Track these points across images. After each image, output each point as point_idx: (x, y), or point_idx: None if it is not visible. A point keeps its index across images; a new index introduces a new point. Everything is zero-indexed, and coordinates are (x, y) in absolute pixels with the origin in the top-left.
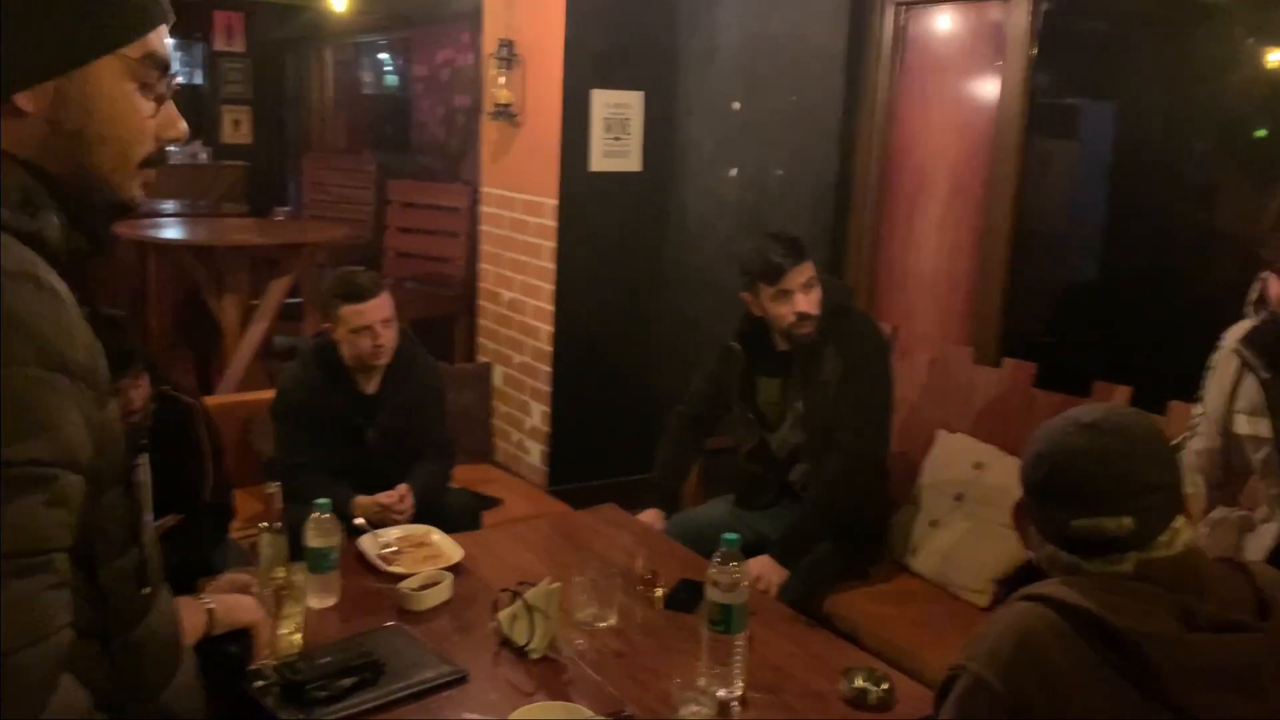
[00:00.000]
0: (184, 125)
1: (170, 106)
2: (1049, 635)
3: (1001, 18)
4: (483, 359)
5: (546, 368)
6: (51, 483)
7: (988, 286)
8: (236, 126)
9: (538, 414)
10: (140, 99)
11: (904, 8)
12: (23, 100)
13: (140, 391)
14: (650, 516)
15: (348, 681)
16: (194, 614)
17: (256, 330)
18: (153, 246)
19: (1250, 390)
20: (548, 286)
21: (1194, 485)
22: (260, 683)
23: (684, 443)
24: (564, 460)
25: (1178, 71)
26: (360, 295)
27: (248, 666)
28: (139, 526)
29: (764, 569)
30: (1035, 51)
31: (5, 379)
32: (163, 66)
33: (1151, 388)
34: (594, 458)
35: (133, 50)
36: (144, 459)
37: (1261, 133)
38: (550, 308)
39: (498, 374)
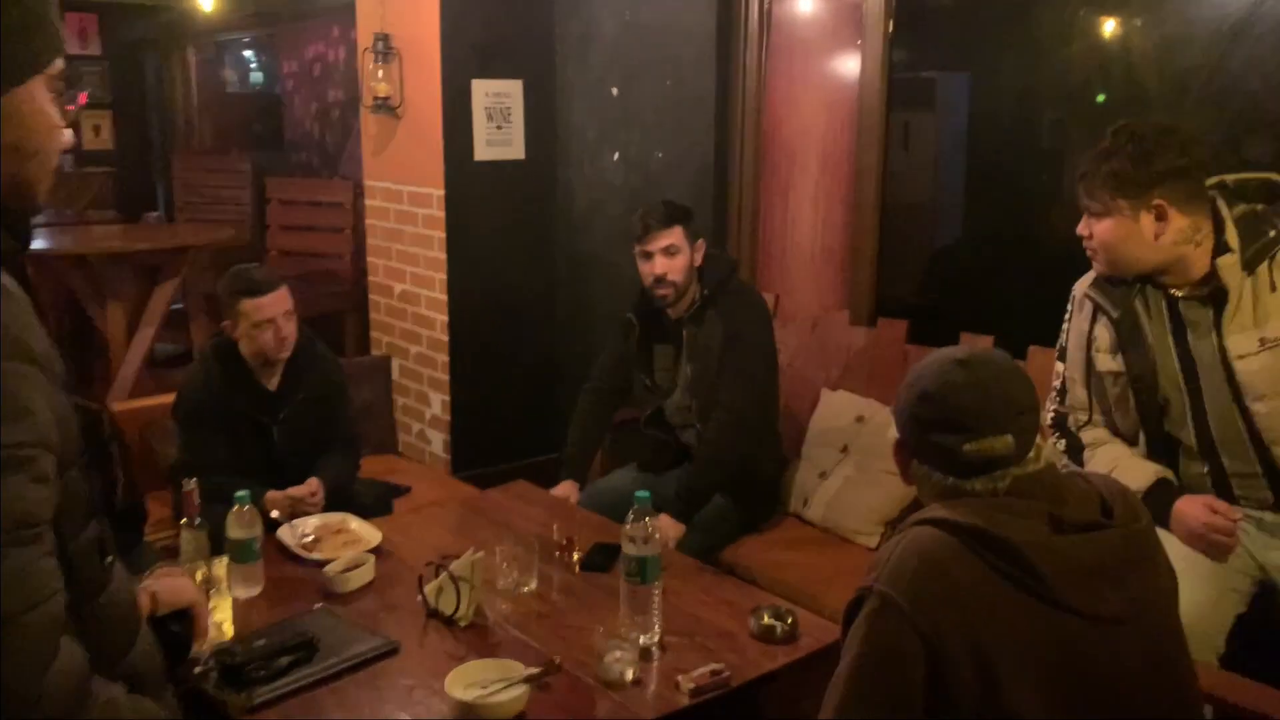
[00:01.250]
0: (70, 135)
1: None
2: (945, 552)
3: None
4: (378, 353)
5: (444, 357)
6: (34, 462)
7: (860, 254)
8: (97, 132)
9: (438, 403)
10: (56, 113)
11: None
12: None
13: None
14: (565, 489)
15: (285, 660)
16: (138, 597)
17: (143, 338)
18: (26, 258)
19: (1104, 331)
20: (439, 276)
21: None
22: (199, 669)
23: (594, 416)
24: (467, 447)
25: (1025, 44)
26: (259, 289)
27: (190, 643)
28: (93, 502)
29: (662, 525)
30: (891, 29)
31: None
32: (68, 85)
33: (1012, 336)
34: (496, 442)
35: (53, 69)
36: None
37: (1100, 98)
38: (443, 297)
39: (395, 367)
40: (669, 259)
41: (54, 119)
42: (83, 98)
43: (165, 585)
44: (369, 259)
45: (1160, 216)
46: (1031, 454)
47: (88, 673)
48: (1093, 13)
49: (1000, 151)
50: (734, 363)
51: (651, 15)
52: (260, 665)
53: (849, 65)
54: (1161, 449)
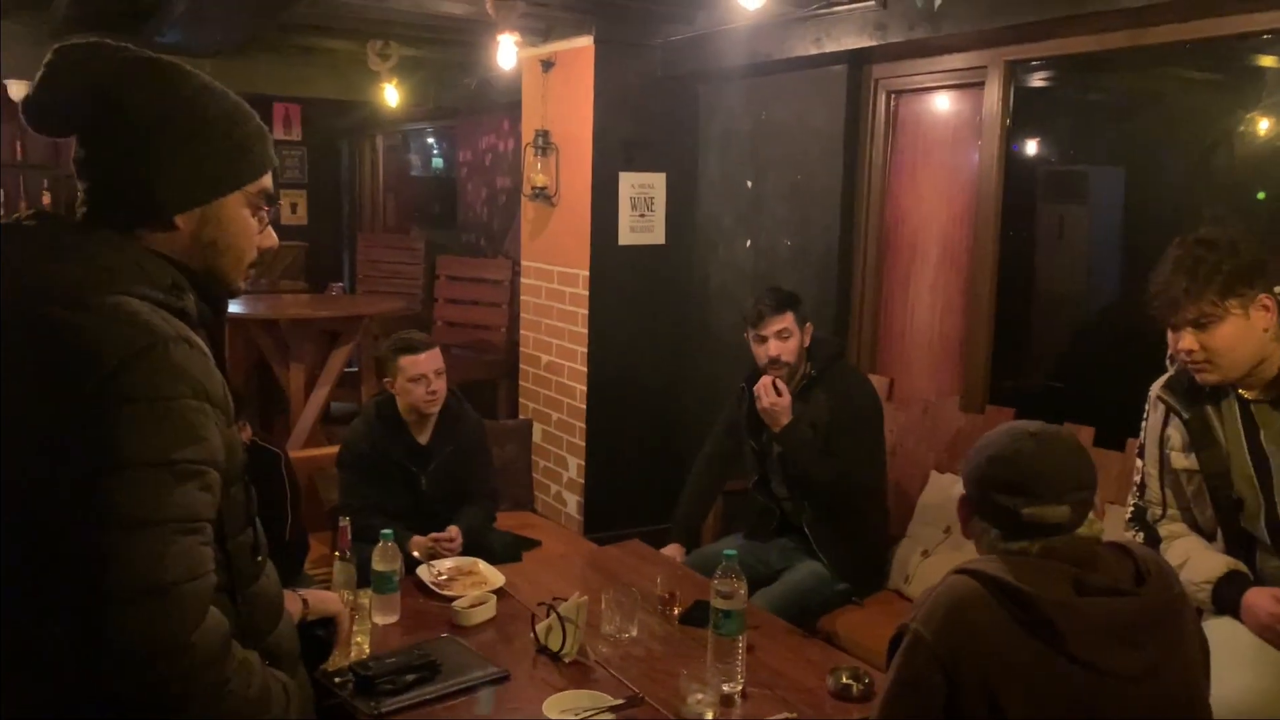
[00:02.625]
0: (275, 238)
1: (269, 225)
2: (973, 599)
3: (978, 99)
4: (524, 417)
5: (581, 424)
6: (204, 474)
7: (974, 342)
8: (293, 209)
9: (574, 467)
10: (252, 221)
11: (894, 94)
12: (179, 220)
13: (244, 434)
14: (671, 550)
15: (410, 677)
16: (291, 601)
17: (319, 395)
18: (233, 321)
19: (1176, 431)
20: (581, 350)
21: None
22: (339, 679)
23: (704, 482)
24: (598, 510)
25: (1182, 139)
26: (415, 348)
27: (331, 646)
28: (253, 513)
29: (776, 401)
30: (1008, 128)
31: (176, 407)
32: (270, 199)
33: (1114, 429)
34: (627, 507)
35: (252, 187)
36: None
37: (1261, 195)
38: (584, 369)
39: (537, 431)
40: (782, 342)
41: (250, 226)
42: None
43: (315, 595)
44: (521, 331)
45: (1265, 308)
46: (1083, 528)
47: (229, 636)
48: (1252, 111)
49: (1154, 245)
50: (843, 432)
51: (785, 114)
52: (389, 680)
53: (969, 160)
54: (1238, 544)
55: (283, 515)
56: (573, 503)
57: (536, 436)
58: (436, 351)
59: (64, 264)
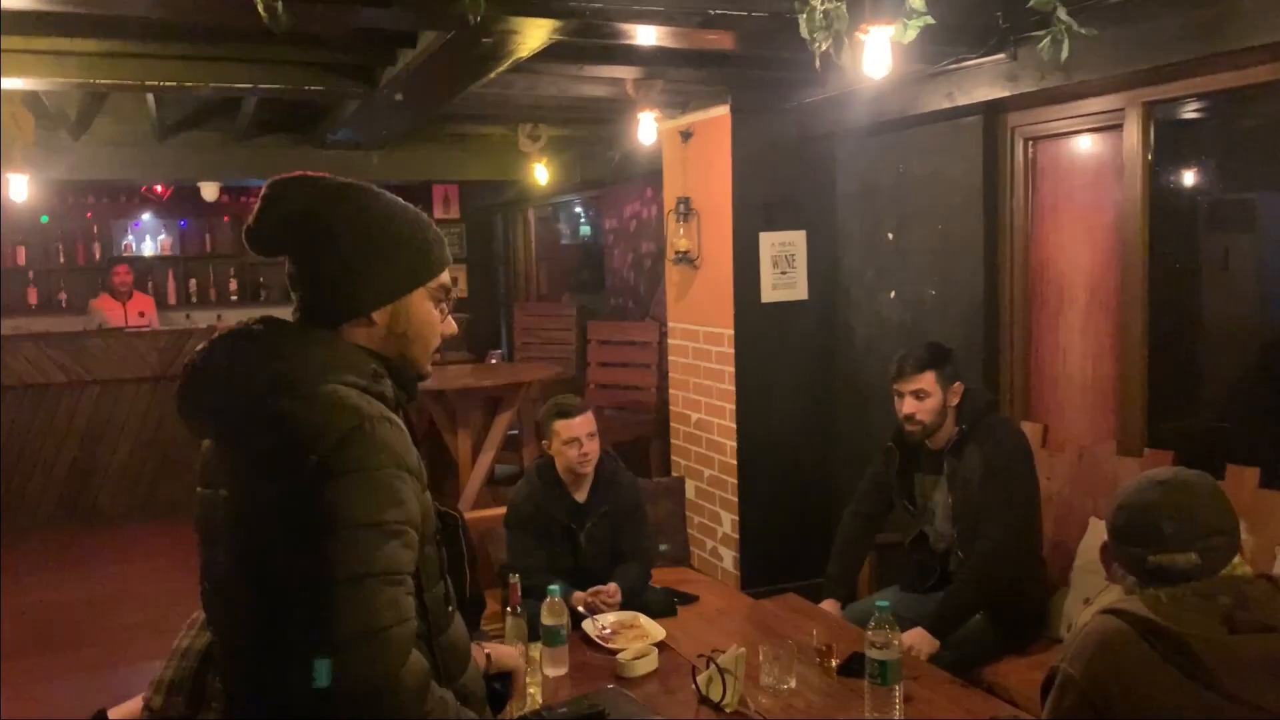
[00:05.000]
0: (455, 326)
1: (449, 315)
2: (1120, 639)
3: (1118, 140)
4: (676, 475)
5: (733, 480)
6: (405, 534)
7: (1129, 384)
8: (455, 283)
9: (728, 522)
10: (435, 312)
11: (1031, 141)
12: (376, 315)
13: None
14: (828, 605)
15: None
16: (477, 653)
17: (485, 460)
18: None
19: None
20: (729, 406)
21: None
22: None
23: (854, 537)
24: (755, 564)
25: None
26: (570, 413)
27: (508, 697)
28: (444, 569)
29: (916, 639)
30: (1152, 165)
31: (382, 476)
32: (447, 292)
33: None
34: (783, 561)
35: (433, 283)
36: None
37: None
38: (733, 425)
39: (690, 487)
40: (918, 401)
41: (434, 316)
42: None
43: (497, 649)
44: (670, 391)
45: None
46: (1225, 571)
47: (429, 675)
48: None
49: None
50: (995, 494)
51: (923, 167)
52: None
53: (1113, 200)
54: None
55: (463, 574)
56: (729, 558)
57: (690, 493)
58: (590, 415)
59: (286, 360)
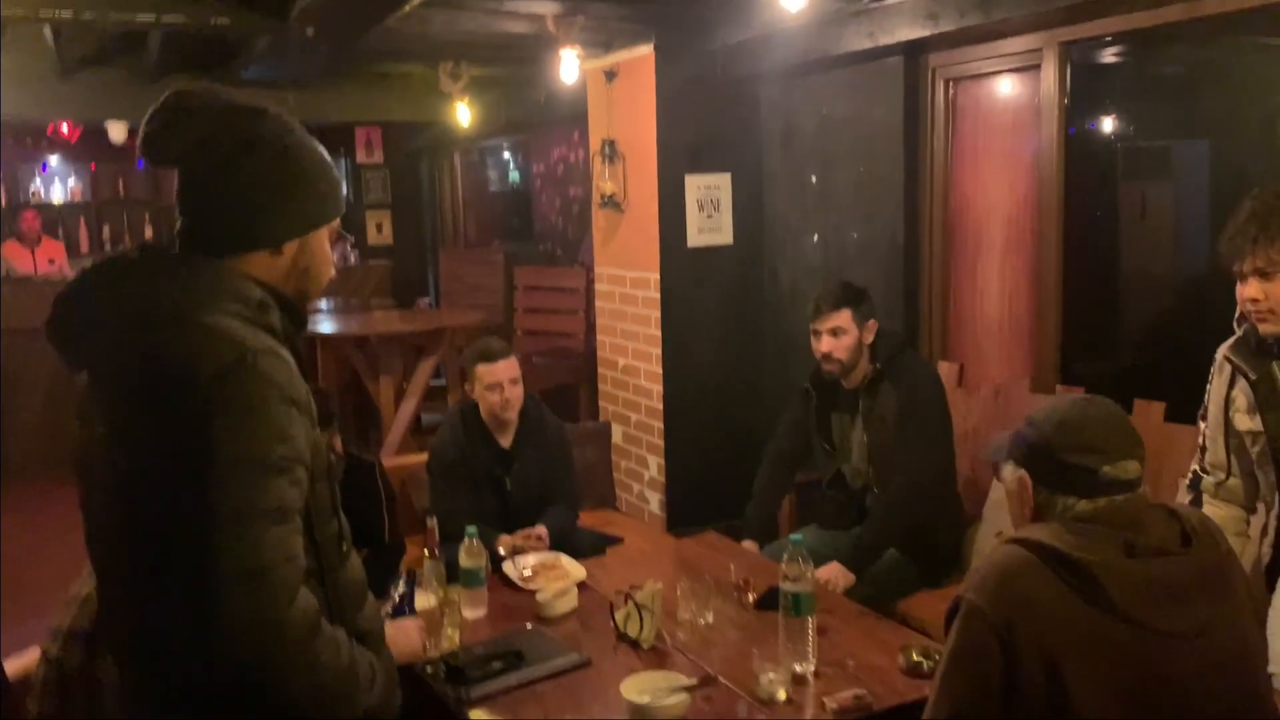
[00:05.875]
0: (333, 270)
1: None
2: (1023, 567)
3: (1036, 81)
4: (604, 420)
5: (659, 424)
6: (292, 470)
7: (1043, 324)
8: (379, 229)
9: (654, 466)
10: (330, 252)
11: (952, 82)
12: (287, 246)
13: (335, 445)
14: (747, 544)
15: (497, 665)
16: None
17: (407, 407)
18: (320, 339)
19: (1241, 392)
20: (655, 351)
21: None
22: (429, 669)
23: (772, 477)
24: (680, 507)
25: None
26: (492, 356)
27: None
28: (337, 506)
29: (832, 572)
30: (1066, 107)
31: (267, 411)
32: (338, 234)
33: (1185, 406)
34: (708, 503)
35: (335, 223)
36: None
37: None
38: (659, 370)
39: (617, 432)
40: (834, 339)
41: (329, 256)
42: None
43: (396, 641)
44: (598, 336)
45: None
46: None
47: (318, 614)
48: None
49: (1171, 222)
50: (911, 432)
51: (845, 109)
52: (476, 668)
53: (1031, 143)
54: None
55: (380, 520)
56: (655, 501)
57: (617, 438)
58: (513, 360)
59: (164, 290)
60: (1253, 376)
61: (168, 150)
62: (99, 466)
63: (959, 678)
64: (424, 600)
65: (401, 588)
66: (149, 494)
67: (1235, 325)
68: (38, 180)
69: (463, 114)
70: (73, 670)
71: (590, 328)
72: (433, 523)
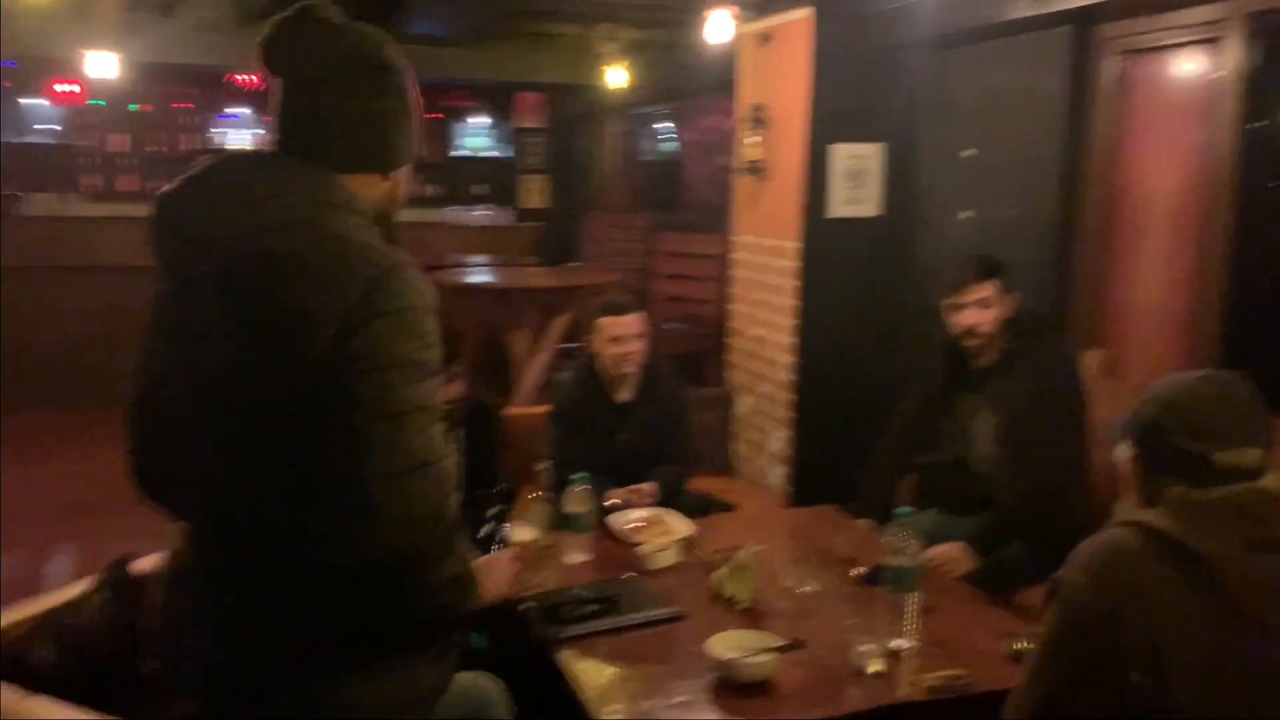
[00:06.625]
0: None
1: None
2: (1132, 552)
3: (1215, 56)
4: (727, 388)
5: (788, 396)
6: (437, 374)
7: (1203, 317)
8: (536, 193)
9: (779, 439)
10: (411, 183)
11: (1124, 55)
12: (394, 173)
13: (455, 387)
14: (862, 522)
15: (590, 609)
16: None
17: (540, 360)
18: (460, 289)
19: None
20: (790, 321)
21: None
22: (525, 607)
23: (893, 456)
24: (803, 482)
25: None
26: (617, 310)
27: None
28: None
29: (954, 553)
30: (1246, 92)
31: (417, 317)
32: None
33: None
34: (835, 481)
35: (414, 159)
36: (454, 445)
37: None
38: (792, 341)
39: (744, 403)
40: (982, 311)
41: (410, 187)
42: None
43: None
44: (732, 305)
45: None
46: (1271, 475)
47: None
48: None
49: None
50: (1042, 420)
51: (1006, 80)
52: (570, 609)
53: (1206, 123)
54: None
55: (493, 461)
56: (778, 474)
57: (743, 408)
58: (638, 316)
59: (293, 195)
60: None
61: (295, 60)
62: (212, 374)
63: (1055, 661)
64: (524, 537)
65: (494, 526)
66: (299, 398)
67: None
68: (219, 129)
69: (617, 77)
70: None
71: (726, 295)
72: (543, 465)
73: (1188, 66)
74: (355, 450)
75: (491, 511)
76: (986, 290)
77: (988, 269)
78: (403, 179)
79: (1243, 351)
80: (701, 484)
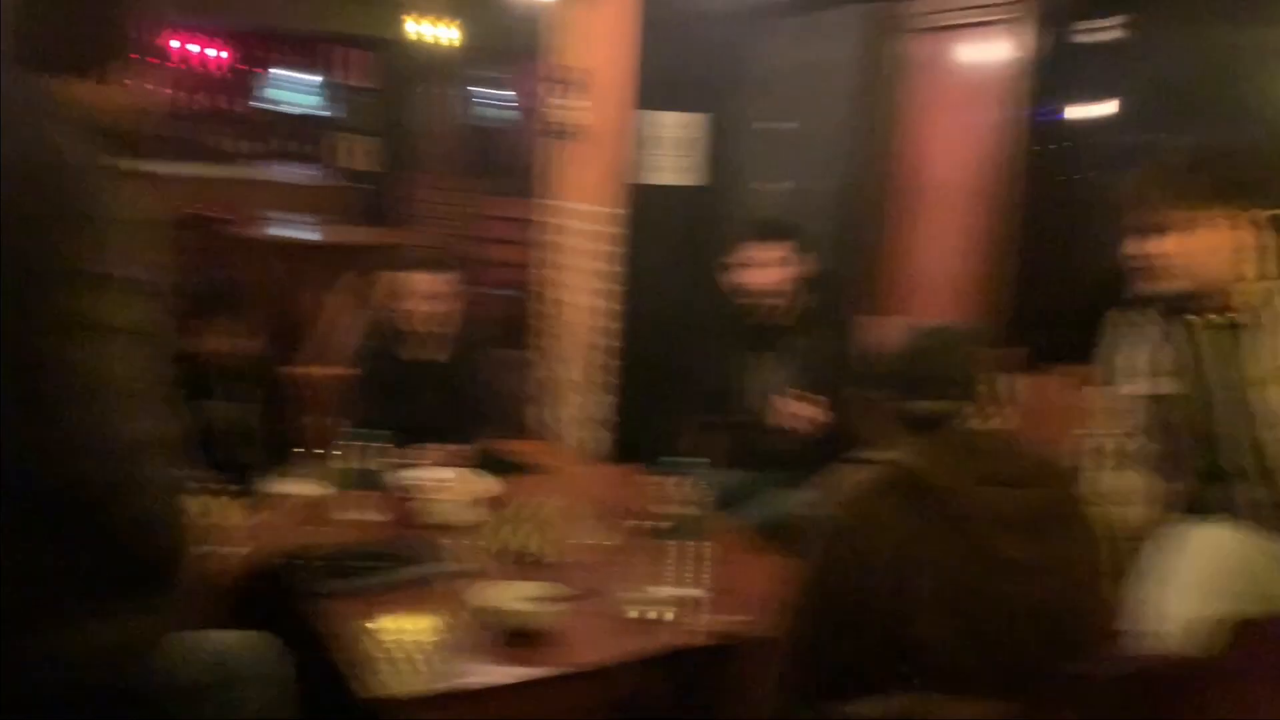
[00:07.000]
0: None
1: None
2: (874, 491)
3: (1000, 40)
4: (548, 353)
5: (608, 360)
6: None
7: (992, 289)
8: (362, 154)
9: (601, 403)
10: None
11: (918, 34)
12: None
13: (241, 341)
14: (666, 480)
15: (368, 564)
16: None
17: (341, 319)
18: (258, 245)
19: (1139, 356)
20: (609, 288)
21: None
22: (298, 563)
23: (698, 415)
24: (624, 446)
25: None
26: (429, 266)
27: None
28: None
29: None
30: (1034, 73)
31: (114, 230)
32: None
33: None
34: (654, 446)
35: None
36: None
37: None
38: (611, 307)
39: (565, 366)
40: (772, 270)
41: (141, 96)
42: None
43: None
44: (552, 270)
45: (1246, 226)
46: (977, 420)
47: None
48: None
49: None
50: (841, 379)
51: (814, 56)
52: (354, 565)
53: (995, 105)
54: (1188, 472)
55: (277, 416)
56: (599, 438)
57: (564, 372)
58: (446, 275)
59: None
60: (1151, 341)
61: None
62: None
63: (809, 602)
64: (314, 493)
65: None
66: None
67: (1131, 287)
68: None
69: (443, 34)
70: None
71: (544, 261)
72: (332, 421)
73: (979, 47)
74: (32, 368)
75: (281, 468)
76: (778, 249)
77: (783, 229)
78: (123, 85)
79: (1029, 317)
80: (514, 446)
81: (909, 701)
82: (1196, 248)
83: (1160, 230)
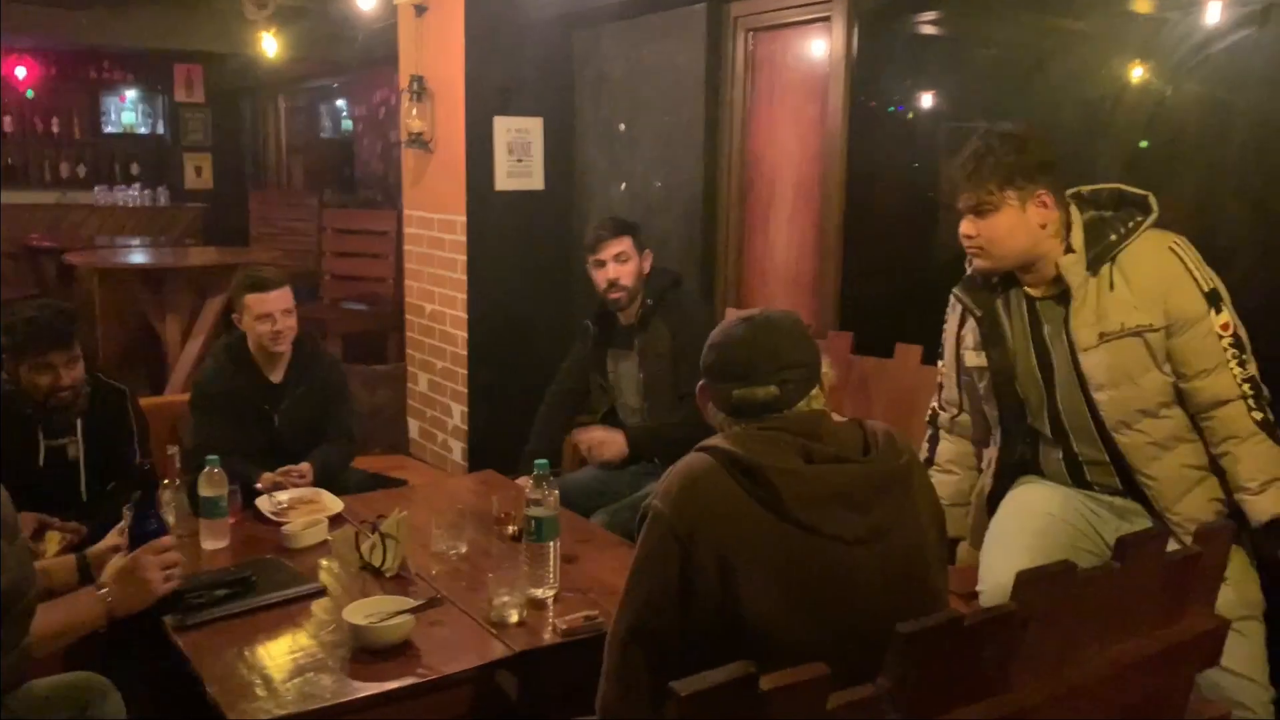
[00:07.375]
0: None
1: None
2: (705, 473)
3: (823, 41)
4: (411, 367)
5: (464, 371)
6: None
7: (825, 277)
8: (198, 172)
9: (458, 414)
10: None
11: (751, 32)
12: None
13: (72, 372)
14: (522, 481)
15: (221, 592)
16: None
17: (194, 346)
18: (100, 273)
19: (970, 330)
20: (461, 296)
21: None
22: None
23: (554, 416)
24: (482, 455)
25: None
26: (263, 286)
27: None
28: None
29: (609, 435)
30: (854, 66)
31: None
32: None
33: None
34: (511, 452)
35: None
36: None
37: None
38: (464, 316)
39: (423, 380)
40: (620, 265)
41: None
42: None
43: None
44: (406, 281)
45: (1044, 205)
46: (802, 404)
47: None
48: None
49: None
50: (682, 372)
51: (653, 57)
52: (199, 594)
53: (820, 99)
54: (1022, 438)
55: (129, 449)
56: (458, 449)
57: (422, 385)
58: (286, 291)
59: None
60: (978, 313)
61: None
62: None
63: (644, 582)
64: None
65: (133, 514)
66: None
67: (967, 265)
68: None
69: (269, 45)
70: None
71: (400, 273)
72: (172, 451)
73: (804, 45)
74: None
75: (130, 500)
76: (624, 245)
77: (621, 226)
78: None
79: (856, 309)
80: (373, 463)
81: (737, 672)
82: (994, 228)
83: (965, 213)
